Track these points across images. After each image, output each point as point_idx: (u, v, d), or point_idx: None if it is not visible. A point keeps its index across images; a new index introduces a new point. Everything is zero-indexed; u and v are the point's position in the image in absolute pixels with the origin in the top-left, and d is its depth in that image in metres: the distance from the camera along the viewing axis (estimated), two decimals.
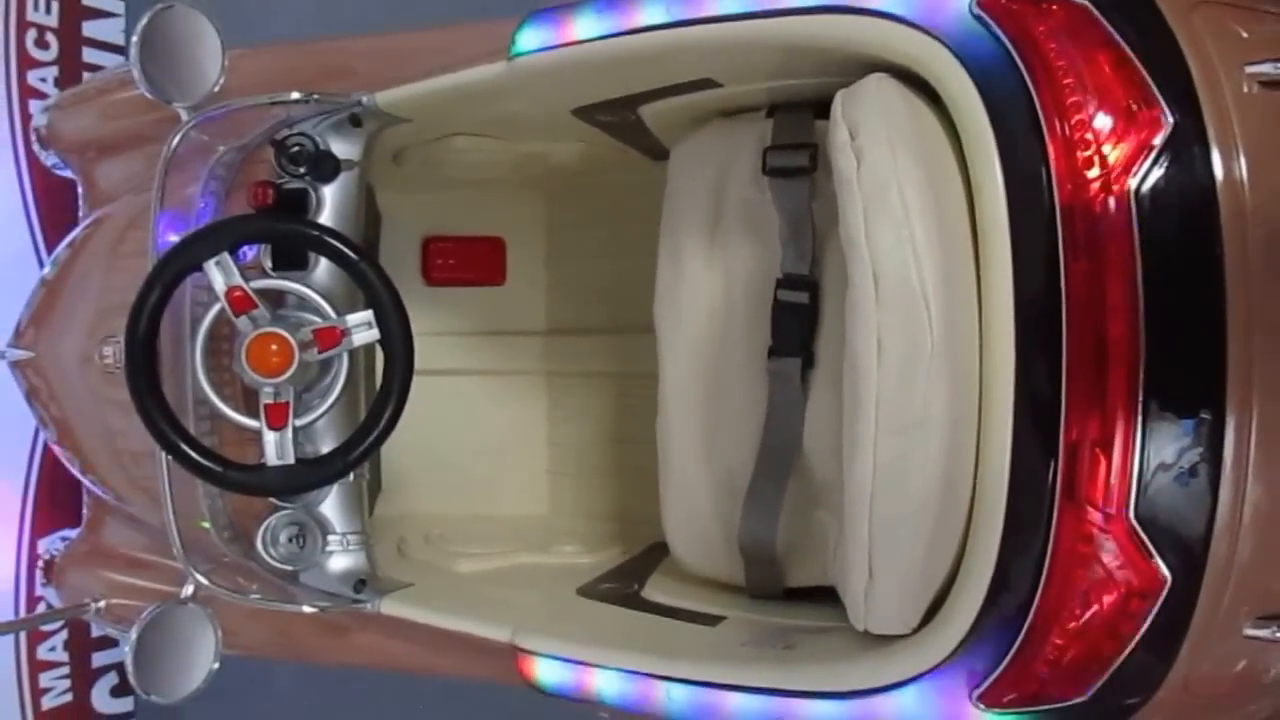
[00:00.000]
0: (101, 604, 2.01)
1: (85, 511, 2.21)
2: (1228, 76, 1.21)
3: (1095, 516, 1.18)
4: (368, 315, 1.55)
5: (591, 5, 1.45)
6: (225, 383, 1.63)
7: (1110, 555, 1.19)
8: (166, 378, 1.68)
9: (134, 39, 1.62)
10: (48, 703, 2.67)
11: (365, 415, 1.57)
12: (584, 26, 1.45)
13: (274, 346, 1.51)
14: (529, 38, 1.50)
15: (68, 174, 2.27)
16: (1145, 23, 1.21)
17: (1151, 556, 1.18)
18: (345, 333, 1.55)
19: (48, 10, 2.62)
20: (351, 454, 1.56)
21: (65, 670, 2.76)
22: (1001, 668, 1.23)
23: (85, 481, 2.14)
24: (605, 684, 1.46)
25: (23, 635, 2.59)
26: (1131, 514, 1.17)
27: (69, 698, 2.77)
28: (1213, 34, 1.23)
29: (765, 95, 1.59)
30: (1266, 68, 1.22)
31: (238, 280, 1.52)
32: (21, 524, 2.58)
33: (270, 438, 1.54)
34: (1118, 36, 1.19)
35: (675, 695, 1.39)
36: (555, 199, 2.16)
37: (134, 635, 1.58)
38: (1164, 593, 1.19)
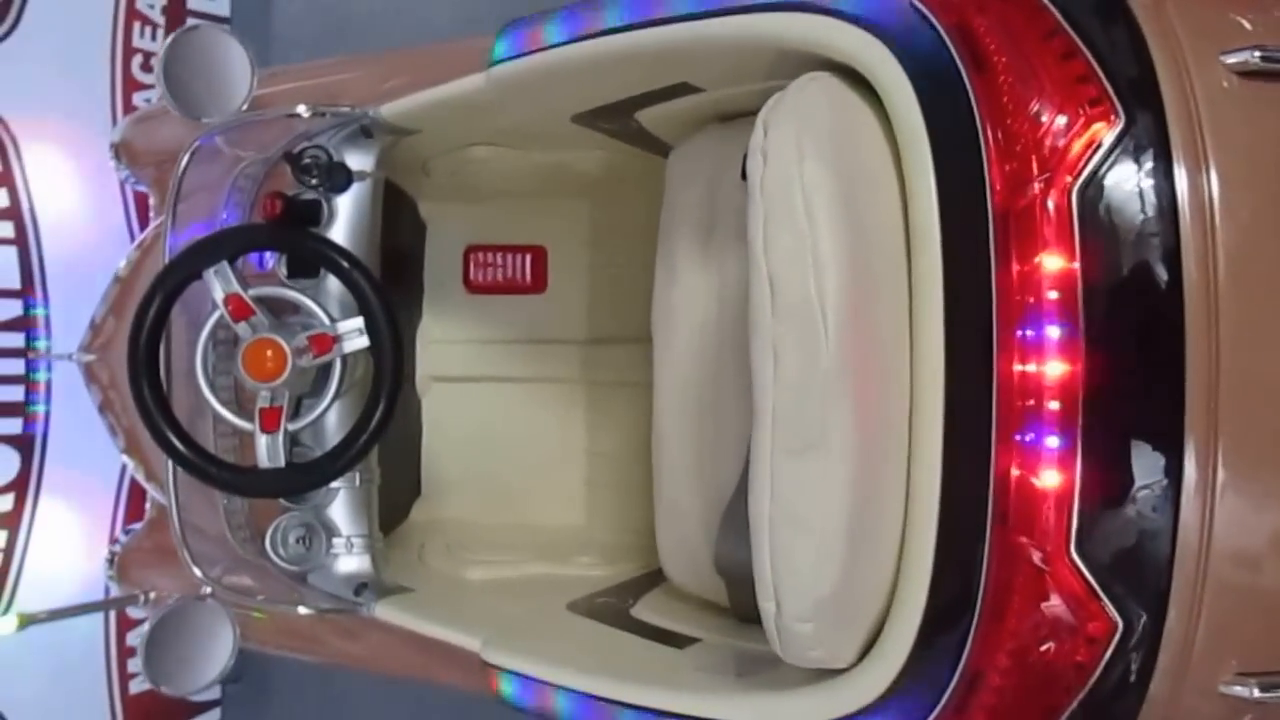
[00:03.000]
0: (152, 595, 2.10)
1: (148, 511, 2.32)
2: (1199, 69, 1.09)
3: (1033, 553, 1.07)
4: (358, 322, 1.57)
5: (559, 12, 1.43)
6: (242, 388, 1.68)
7: (1052, 596, 1.08)
8: (184, 383, 1.74)
9: (159, 56, 1.69)
10: (135, 687, 2.81)
11: (354, 421, 1.59)
12: (550, 32, 1.43)
13: (269, 352, 1.54)
14: (504, 46, 1.49)
15: (142, 189, 2.40)
16: (1103, 11, 1.11)
17: (1098, 598, 1.07)
18: (336, 339, 1.57)
19: (153, 37, 2.80)
20: (339, 460, 1.58)
21: None
22: (936, 712, 1.13)
23: (149, 488, 2.25)
24: (562, 703, 1.43)
25: (112, 623, 2.76)
26: (1073, 551, 1.06)
27: None
28: (1188, 23, 1.11)
29: (760, 99, 1.52)
30: (1245, 56, 1.08)
31: (236, 288, 1.57)
32: (114, 522, 2.74)
33: (263, 441, 1.57)
34: (1066, 26, 1.09)
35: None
36: (597, 208, 2.13)
37: (148, 626, 1.64)
38: (1115, 639, 1.08)
